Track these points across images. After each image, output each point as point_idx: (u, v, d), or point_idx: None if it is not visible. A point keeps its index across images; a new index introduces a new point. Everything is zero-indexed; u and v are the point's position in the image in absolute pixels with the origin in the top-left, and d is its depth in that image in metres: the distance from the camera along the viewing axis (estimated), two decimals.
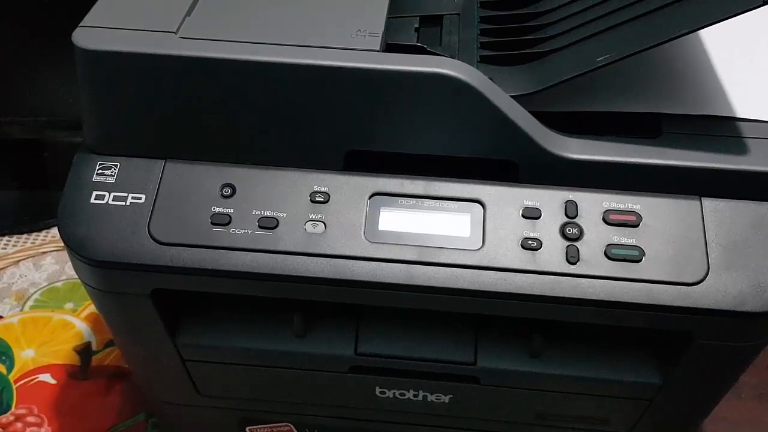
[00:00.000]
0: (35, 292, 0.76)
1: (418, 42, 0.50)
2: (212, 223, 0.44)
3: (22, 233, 0.84)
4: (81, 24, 0.44)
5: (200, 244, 0.43)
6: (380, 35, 0.45)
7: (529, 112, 0.44)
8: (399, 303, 0.44)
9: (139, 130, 0.45)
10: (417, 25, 0.51)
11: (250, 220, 0.44)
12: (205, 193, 0.45)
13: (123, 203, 0.44)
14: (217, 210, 0.44)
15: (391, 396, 0.52)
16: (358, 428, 0.57)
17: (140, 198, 0.45)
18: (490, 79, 0.44)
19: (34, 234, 0.84)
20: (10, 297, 0.76)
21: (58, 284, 0.77)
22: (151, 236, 0.43)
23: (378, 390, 0.52)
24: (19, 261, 0.80)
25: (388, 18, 0.46)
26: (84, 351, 0.70)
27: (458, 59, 0.46)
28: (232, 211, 0.44)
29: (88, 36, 0.43)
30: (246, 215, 0.44)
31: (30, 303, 0.75)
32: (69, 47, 0.78)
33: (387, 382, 0.51)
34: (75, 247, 0.44)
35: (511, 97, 0.44)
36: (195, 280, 0.44)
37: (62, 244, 0.84)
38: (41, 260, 0.80)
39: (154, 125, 0.45)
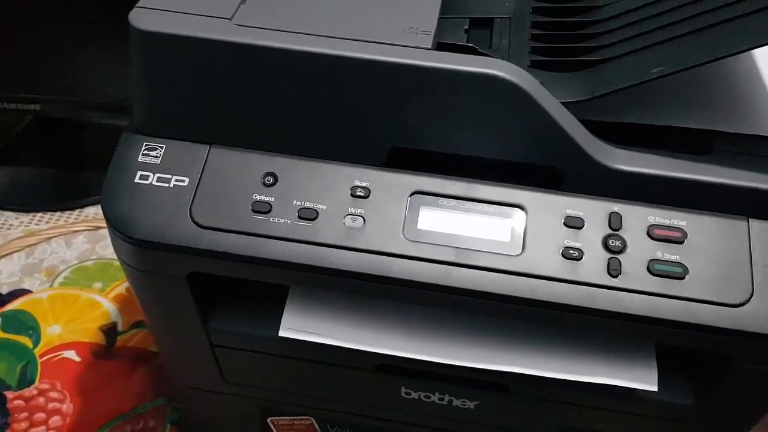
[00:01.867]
0: (65, 269, 0.77)
1: (468, 43, 0.50)
2: (253, 211, 0.44)
3: (55, 211, 0.85)
4: (137, 5, 0.45)
5: (240, 230, 0.43)
6: (432, 33, 0.44)
7: (578, 119, 0.44)
8: (433, 303, 0.44)
9: (187, 114, 0.45)
10: (467, 27, 0.51)
11: (290, 209, 0.44)
12: (247, 180, 0.45)
13: (166, 185, 0.45)
14: (258, 198, 0.44)
15: (416, 397, 0.52)
16: (379, 427, 0.57)
17: (183, 181, 0.45)
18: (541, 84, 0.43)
19: (68, 212, 0.85)
20: (40, 272, 0.77)
21: (88, 263, 0.78)
22: (192, 219, 0.44)
23: (403, 390, 0.51)
24: (50, 238, 0.81)
25: (438, 18, 0.46)
26: (110, 331, 0.70)
27: (509, 62, 0.46)
28: (272, 199, 0.44)
29: (144, 17, 0.43)
30: (286, 205, 0.44)
31: (59, 280, 0.76)
32: (109, 28, 0.78)
33: (413, 383, 0.51)
34: (116, 225, 0.44)
35: (561, 103, 0.44)
36: (232, 265, 0.44)
37: (94, 224, 0.85)
38: (73, 239, 0.81)
39: (202, 109, 0.45)
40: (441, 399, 0.51)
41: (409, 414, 0.54)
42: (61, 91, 0.83)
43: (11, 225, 0.83)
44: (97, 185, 0.89)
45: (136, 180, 0.45)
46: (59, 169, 0.91)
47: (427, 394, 0.51)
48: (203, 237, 0.43)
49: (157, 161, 0.46)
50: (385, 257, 0.43)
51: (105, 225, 0.45)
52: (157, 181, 0.45)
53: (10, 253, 0.79)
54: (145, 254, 0.45)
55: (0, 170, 0.90)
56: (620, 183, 0.44)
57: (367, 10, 0.46)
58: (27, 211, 0.85)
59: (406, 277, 0.43)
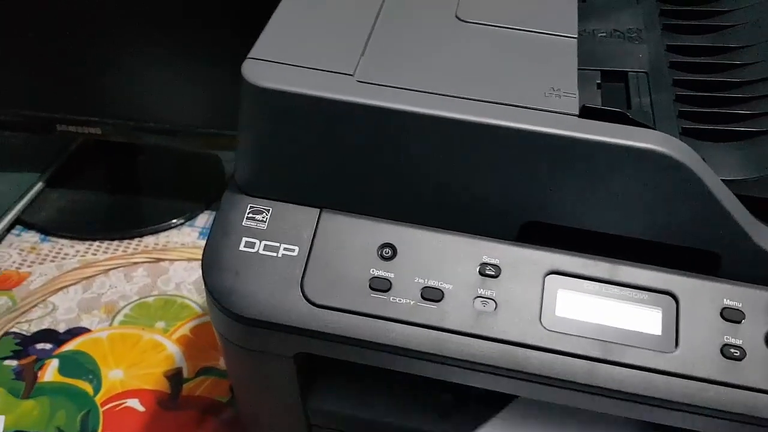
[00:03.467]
0: (125, 306, 0.73)
1: (603, 101, 0.45)
2: (371, 288, 0.39)
3: (113, 240, 0.81)
4: (250, 55, 0.40)
5: (357, 310, 0.39)
6: (576, 96, 0.40)
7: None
8: (572, 402, 0.39)
9: (298, 174, 0.41)
10: (599, 81, 0.47)
11: (413, 288, 0.40)
12: (363, 251, 0.40)
13: (275, 254, 0.40)
14: (376, 273, 0.40)
15: None
16: None
17: (293, 250, 0.40)
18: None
19: (126, 241, 0.81)
20: (99, 309, 0.73)
21: (150, 299, 0.74)
22: (304, 295, 0.39)
23: None
24: (108, 270, 0.77)
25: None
26: (175, 377, 0.66)
27: (657, 128, 0.41)
28: (392, 276, 0.40)
29: (260, 71, 0.39)
30: (408, 282, 0.40)
31: (119, 318, 0.72)
32: (172, 52, 0.75)
33: None
34: (220, 299, 0.40)
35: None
36: (346, 348, 0.40)
37: (154, 256, 0.81)
38: (132, 271, 0.77)
39: (315, 170, 0.41)
40: None
41: None
42: (122, 114, 0.80)
43: (66, 254, 0.80)
44: (157, 213, 0.86)
45: (241, 247, 0.41)
46: (115, 194, 0.88)
47: None
48: (317, 317, 0.39)
49: (264, 226, 0.41)
50: (521, 349, 0.38)
51: (166, 257, 0.42)
52: (264, 250, 0.41)
53: (67, 286, 0.75)
54: (251, 332, 0.40)
55: (52, 194, 0.87)
56: None
57: (500, 62, 0.42)
58: (83, 239, 0.81)
59: (546, 374, 0.38)
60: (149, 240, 0.81)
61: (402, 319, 0.39)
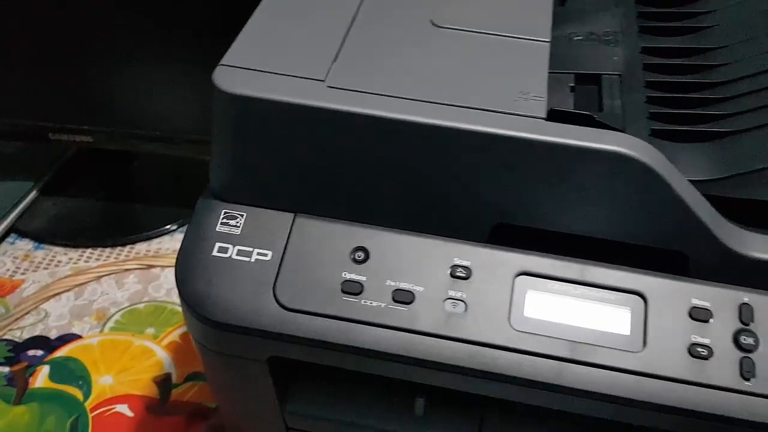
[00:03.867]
0: (116, 312, 0.74)
1: (575, 104, 0.46)
2: (343, 291, 0.40)
3: (105, 247, 0.82)
4: (221, 62, 0.41)
5: (329, 313, 0.40)
6: (544, 100, 0.40)
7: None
8: (541, 402, 0.40)
9: (272, 180, 0.42)
10: (572, 84, 0.47)
11: (384, 291, 0.40)
12: (335, 255, 0.41)
13: (247, 259, 0.41)
14: (348, 276, 0.40)
15: None
16: None
17: (266, 255, 0.41)
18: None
19: (118, 248, 0.82)
20: (90, 315, 0.74)
21: (140, 306, 0.75)
22: (276, 300, 0.40)
23: None
24: (100, 276, 0.78)
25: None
26: (164, 383, 0.67)
27: (626, 130, 0.42)
28: (364, 279, 0.40)
29: (231, 78, 0.40)
30: (380, 285, 0.40)
31: (110, 324, 0.73)
32: (164, 60, 0.76)
33: None
34: (193, 304, 0.40)
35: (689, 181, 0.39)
36: (320, 352, 0.40)
37: (146, 262, 0.82)
38: (124, 278, 0.78)
39: (288, 176, 0.41)
40: None
41: None
42: (114, 122, 0.80)
43: (59, 261, 0.81)
44: (149, 220, 0.87)
45: (214, 252, 0.41)
46: (108, 201, 0.88)
47: None
48: (289, 321, 0.40)
49: (237, 231, 0.42)
50: (490, 349, 0.39)
51: (157, 264, 0.42)
52: (237, 255, 0.41)
53: (59, 293, 0.76)
54: (224, 337, 0.41)
55: (46, 202, 0.88)
56: (753, 272, 0.39)
57: (472, 67, 0.42)
58: (76, 246, 0.82)
59: (514, 374, 0.38)
60: (142, 246, 0.82)
61: (373, 322, 0.39)
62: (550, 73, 0.46)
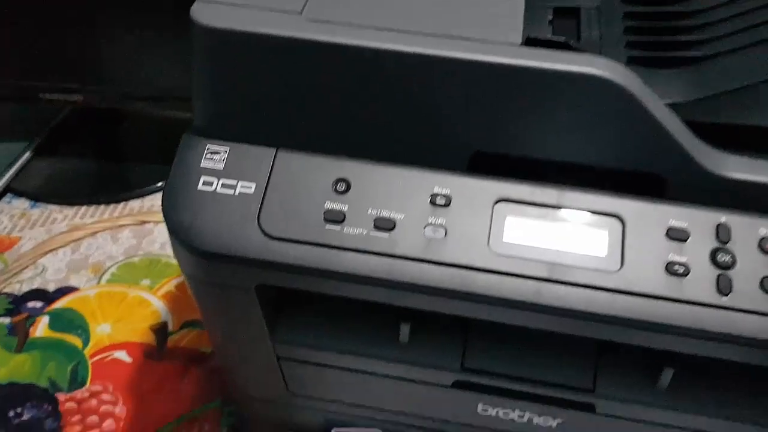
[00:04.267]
0: (112, 265, 0.75)
1: (553, 35, 0.46)
2: (325, 220, 0.41)
3: (99, 204, 0.83)
4: None
5: (312, 241, 0.40)
6: (521, 27, 0.41)
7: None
8: (521, 321, 0.41)
9: (253, 115, 0.42)
10: (551, 18, 0.47)
11: (366, 219, 0.41)
12: (317, 186, 0.42)
13: (231, 192, 0.42)
14: (330, 206, 0.41)
15: (494, 414, 0.48)
16: None
17: (250, 187, 0.42)
18: None
19: (112, 205, 0.83)
20: (86, 269, 0.75)
21: (135, 259, 0.76)
22: (261, 229, 0.41)
23: (480, 407, 0.48)
24: (96, 232, 0.79)
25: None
26: (160, 331, 0.68)
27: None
28: (346, 208, 0.41)
29: (208, 12, 0.40)
30: (361, 214, 0.41)
31: (106, 276, 0.74)
32: (153, 18, 0.75)
33: (492, 400, 0.47)
34: (180, 235, 0.41)
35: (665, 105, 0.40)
36: (304, 278, 0.41)
37: (140, 218, 0.83)
38: (118, 233, 0.79)
39: (269, 110, 0.42)
40: (521, 416, 0.48)
41: (484, 429, 0.51)
42: (104, 81, 0.81)
43: (55, 219, 0.81)
44: (142, 178, 0.88)
45: (200, 187, 0.42)
46: (102, 160, 0.89)
47: (506, 411, 0.48)
48: (274, 248, 0.40)
49: (221, 166, 0.42)
50: (469, 272, 0.40)
51: (151, 220, 0.43)
52: (221, 188, 0.42)
53: (55, 249, 0.77)
54: (211, 266, 0.42)
55: (41, 162, 0.88)
56: (729, 192, 0.40)
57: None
58: (71, 204, 0.83)
59: (494, 294, 0.39)
60: (135, 204, 0.83)
61: (355, 248, 0.40)
62: (528, 7, 0.46)
